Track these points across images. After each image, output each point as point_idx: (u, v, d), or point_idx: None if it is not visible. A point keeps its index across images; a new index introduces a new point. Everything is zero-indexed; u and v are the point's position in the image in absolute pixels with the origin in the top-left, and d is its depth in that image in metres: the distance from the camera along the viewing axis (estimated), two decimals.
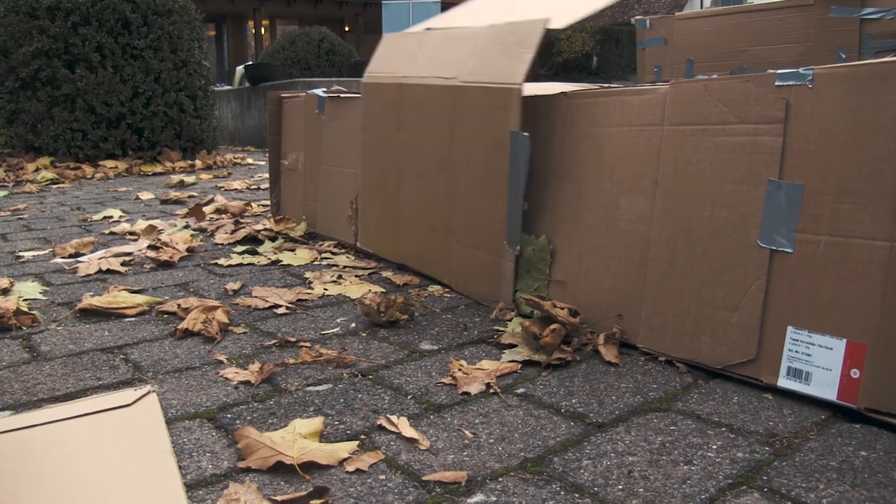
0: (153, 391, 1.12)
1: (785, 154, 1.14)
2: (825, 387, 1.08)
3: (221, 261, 2.09)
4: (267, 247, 2.22)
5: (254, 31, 17.25)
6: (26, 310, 1.55)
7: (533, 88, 1.77)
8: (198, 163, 5.28)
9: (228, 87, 9.23)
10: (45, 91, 5.00)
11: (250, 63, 9.51)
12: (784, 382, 1.12)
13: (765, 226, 1.15)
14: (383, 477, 0.89)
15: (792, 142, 1.13)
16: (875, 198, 1.04)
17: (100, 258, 2.08)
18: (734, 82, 1.21)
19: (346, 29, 18.65)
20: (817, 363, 1.08)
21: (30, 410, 1.08)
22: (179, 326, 1.45)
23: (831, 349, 1.07)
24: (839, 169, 1.08)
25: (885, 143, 1.04)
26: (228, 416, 1.07)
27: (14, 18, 5.05)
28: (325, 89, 2.41)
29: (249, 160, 5.94)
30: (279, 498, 0.83)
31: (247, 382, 1.18)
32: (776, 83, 1.15)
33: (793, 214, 1.12)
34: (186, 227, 2.61)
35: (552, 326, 1.26)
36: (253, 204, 3.09)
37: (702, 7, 28.42)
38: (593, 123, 1.41)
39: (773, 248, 1.13)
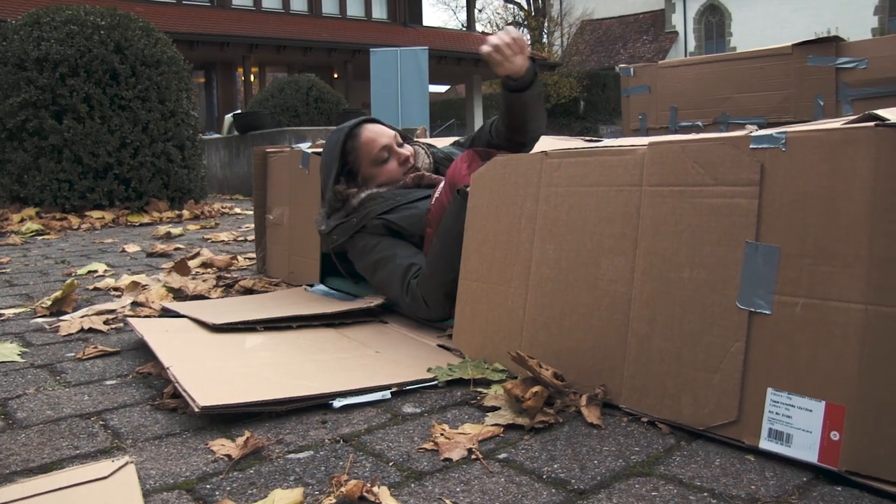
0: (131, 462, 1.10)
1: (761, 216, 1.15)
2: (806, 449, 1.07)
3: None
4: None
5: (243, 78, 17.38)
6: None
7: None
8: (185, 213, 5.29)
9: (217, 136, 9.28)
10: (31, 142, 5.01)
11: (239, 112, 9.57)
12: (765, 444, 1.11)
13: (743, 287, 1.16)
14: None
15: (767, 204, 1.15)
16: (850, 261, 1.05)
17: (82, 316, 2.07)
18: (710, 144, 1.23)
19: (336, 76, 18.82)
20: (797, 425, 1.08)
21: (1, 485, 1.06)
22: (167, 389, 1.43)
23: (811, 411, 1.07)
24: (815, 231, 1.09)
25: (858, 207, 1.05)
26: (207, 486, 1.06)
27: (2, 70, 5.09)
28: (310, 144, 2.43)
29: (237, 209, 5.95)
30: None
31: (228, 455, 1.17)
32: (751, 146, 1.17)
33: (770, 276, 1.13)
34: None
35: (534, 389, 1.25)
36: (239, 257, 3.08)
37: (686, 55, 28.93)
38: (573, 183, 1.42)
39: (752, 309, 1.14)
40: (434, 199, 1.90)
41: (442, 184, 1.90)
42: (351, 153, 2.09)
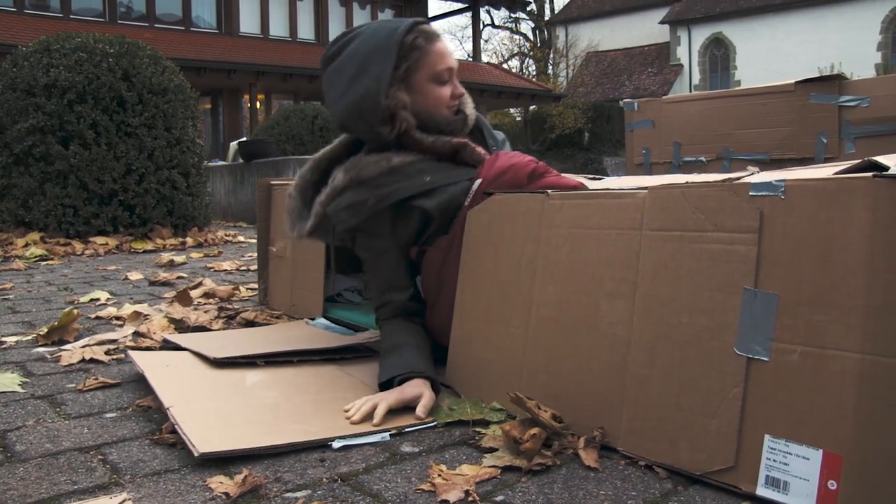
0: (128, 500, 1.10)
1: (760, 263, 1.16)
2: (803, 497, 1.07)
3: None
4: None
5: (249, 105, 17.50)
6: None
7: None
8: (189, 240, 5.31)
9: (222, 163, 9.33)
10: (38, 167, 5.04)
11: (244, 140, 9.62)
12: (762, 491, 1.11)
13: (741, 333, 1.16)
14: None
15: (766, 251, 1.15)
16: (847, 310, 1.06)
17: (83, 346, 2.08)
18: (710, 190, 1.24)
19: None
20: (795, 473, 1.09)
21: None
22: (166, 424, 1.44)
23: (808, 459, 1.07)
24: (812, 280, 1.10)
25: (854, 257, 1.06)
26: None
27: (11, 95, 5.14)
28: None
29: (241, 237, 5.97)
30: None
31: (226, 493, 1.17)
32: (750, 193, 1.18)
33: (768, 323, 1.13)
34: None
35: (532, 431, 1.26)
36: (241, 287, 3.09)
37: (690, 87, 29.12)
38: (574, 225, 1.43)
39: (750, 356, 1.15)
40: (468, 201, 1.65)
41: (477, 183, 1.64)
42: (415, 51, 1.64)
